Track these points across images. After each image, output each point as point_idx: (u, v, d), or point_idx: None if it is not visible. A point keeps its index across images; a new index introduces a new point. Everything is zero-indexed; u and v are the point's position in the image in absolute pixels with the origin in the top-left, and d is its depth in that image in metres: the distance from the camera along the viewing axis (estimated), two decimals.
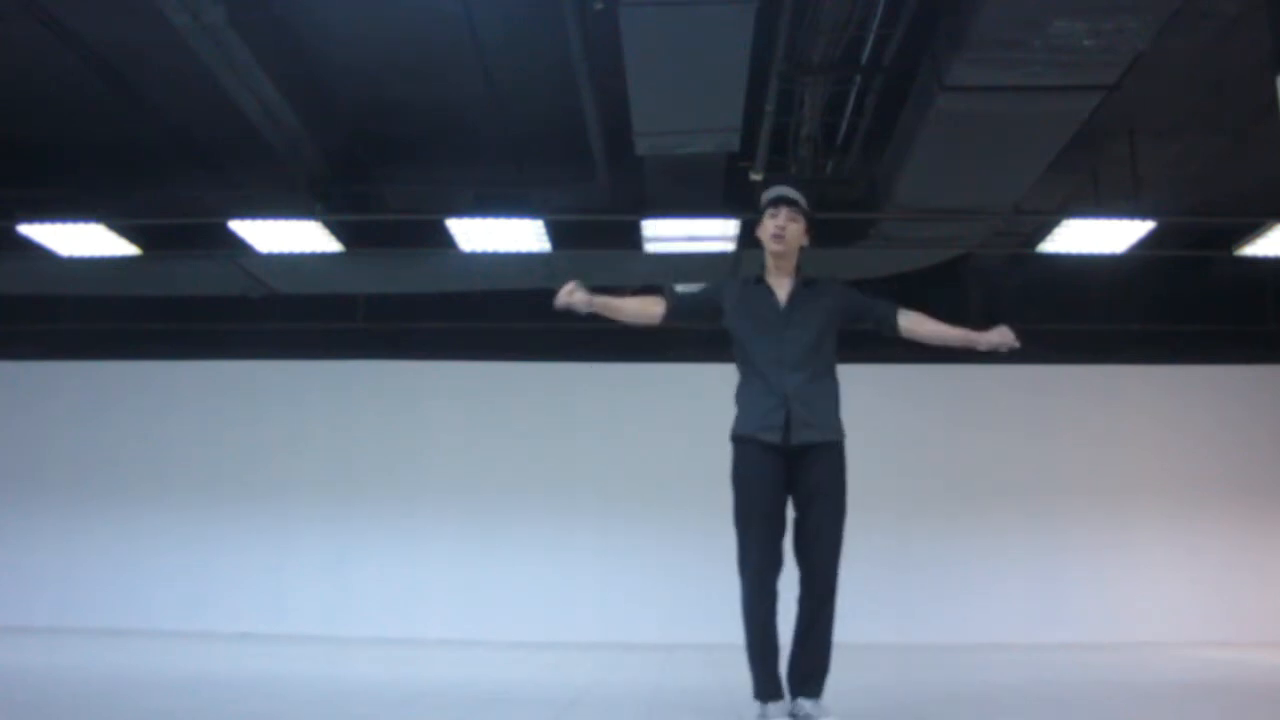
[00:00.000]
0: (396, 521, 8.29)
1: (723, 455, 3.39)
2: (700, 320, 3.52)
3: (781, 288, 3.43)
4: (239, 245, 7.22)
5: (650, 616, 7.97)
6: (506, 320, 8.55)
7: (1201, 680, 5.10)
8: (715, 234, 6.93)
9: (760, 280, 3.46)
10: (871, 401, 8.95)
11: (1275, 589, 7.95)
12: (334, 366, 8.61)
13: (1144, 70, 5.19)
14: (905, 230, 6.98)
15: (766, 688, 3.20)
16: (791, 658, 3.25)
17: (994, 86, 5.10)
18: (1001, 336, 3.36)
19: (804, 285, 3.44)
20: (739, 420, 3.37)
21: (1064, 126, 5.59)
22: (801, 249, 3.47)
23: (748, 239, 7.07)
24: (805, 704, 3.16)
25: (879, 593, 7.91)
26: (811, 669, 3.21)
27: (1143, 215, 6.80)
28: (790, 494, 3.30)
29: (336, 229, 7.11)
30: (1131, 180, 6.76)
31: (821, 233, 7.28)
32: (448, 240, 7.14)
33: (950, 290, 8.76)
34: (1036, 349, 8.58)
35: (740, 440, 3.33)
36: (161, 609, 8.06)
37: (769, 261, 3.47)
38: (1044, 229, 7.13)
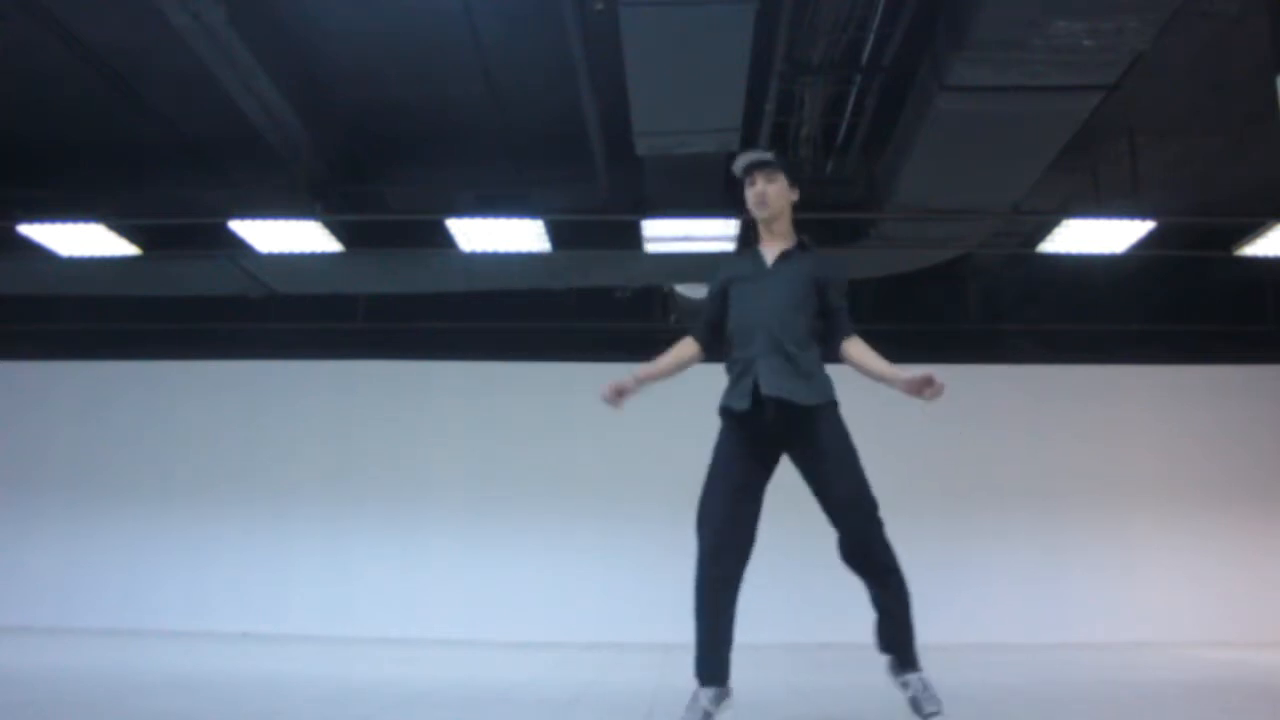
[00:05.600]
0: (397, 521, 8.28)
1: None
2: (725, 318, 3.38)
3: (771, 251, 3.38)
4: (239, 245, 7.23)
5: (650, 616, 7.94)
6: (506, 320, 8.55)
7: (1201, 680, 5.10)
8: (715, 234, 6.93)
9: (755, 249, 3.44)
10: (872, 401, 8.96)
11: (1275, 589, 7.94)
12: (334, 366, 8.60)
13: (1144, 70, 5.19)
14: (905, 230, 6.98)
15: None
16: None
17: (994, 86, 5.11)
18: (923, 382, 3.17)
19: (796, 248, 3.36)
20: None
21: (1064, 126, 5.59)
22: (793, 205, 3.40)
23: (748, 239, 7.09)
24: None
25: None
26: None
27: (1142, 215, 6.81)
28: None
29: (336, 229, 7.11)
30: (1131, 180, 6.77)
31: (822, 233, 7.36)
32: (448, 240, 7.14)
33: (950, 290, 8.78)
34: (1036, 349, 8.67)
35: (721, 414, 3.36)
36: (162, 609, 8.05)
37: (761, 231, 3.44)
38: (1044, 229, 7.13)
